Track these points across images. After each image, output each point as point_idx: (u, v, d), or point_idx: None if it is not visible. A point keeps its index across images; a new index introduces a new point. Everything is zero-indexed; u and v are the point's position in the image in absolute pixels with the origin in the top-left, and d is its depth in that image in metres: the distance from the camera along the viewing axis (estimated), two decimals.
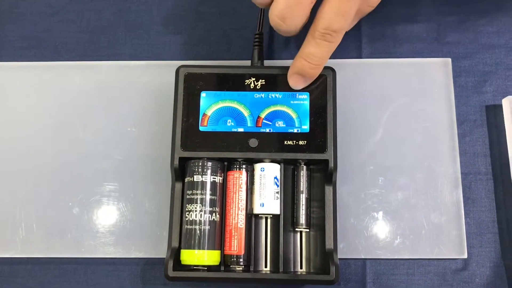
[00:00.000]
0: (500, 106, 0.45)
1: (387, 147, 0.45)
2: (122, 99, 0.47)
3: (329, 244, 0.40)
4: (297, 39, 0.48)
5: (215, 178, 0.40)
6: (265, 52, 0.46)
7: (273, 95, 0.42)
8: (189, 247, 0.39)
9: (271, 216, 0.42)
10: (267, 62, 0.45)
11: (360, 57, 0.47)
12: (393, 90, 0.46)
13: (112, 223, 0.44)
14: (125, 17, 0.49)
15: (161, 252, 0.43)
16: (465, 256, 0.43)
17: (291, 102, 0.42)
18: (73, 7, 0.50)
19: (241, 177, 0.41)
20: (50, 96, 0.47)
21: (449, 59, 0.47)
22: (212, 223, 0.40)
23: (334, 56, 0.47)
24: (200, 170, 0.40)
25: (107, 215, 0.44)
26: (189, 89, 0.42)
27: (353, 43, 0.48)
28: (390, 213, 0.43)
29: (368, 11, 0.43)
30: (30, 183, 0.45)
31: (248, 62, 0.45)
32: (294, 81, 0.40)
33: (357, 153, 0.45)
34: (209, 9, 0.49)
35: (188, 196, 0.40)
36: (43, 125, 0.46)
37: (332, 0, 0.37)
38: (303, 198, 0.42)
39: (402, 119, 0.45)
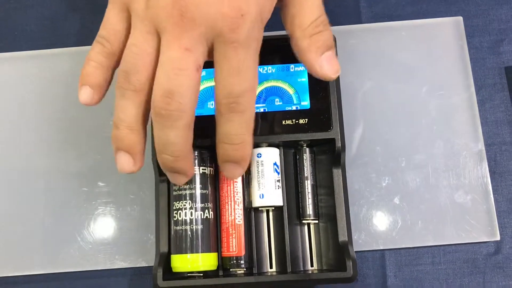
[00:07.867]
0: None
1: (398, 122, 0.41)
2: None
3: (342, 236, 0.36)
4: None
5: (204, 169, 0.36)
6: None
7: (265, 69, 0.38)
8: (181, 251, 0.35)
9: (273, 208, 0.38)
10: None
11: (359, 22, 0.44)
12: (400, 57, 0.43)
13: (92, 231, 0.40)
14: (92, 0, 0.45)
15: (149, 259, 0.40)
16: (498, 238, 0.40)
17: (287, 76, 0.38)
18: None
19: None
20: (9, 91, 0.43)
21: (461, 18, 0.43)
22: (205, 221, 0.35)
23: (331, 22, 0.43)
24: None
25: (85, 223, 0.41)
26: None
27: (351, 7, 0.44)
28: (408, 196, 0.40)
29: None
30: None
31: None
32: (228, 172, 0.32)
33: (363, 131, 0.41)
34: None
35: (175, 193, 0.36)
36: (3, 126, 0.42)
37: (219, 60, 0.28)
38: (308, 185, 0.38)
39: (413, 89, 0.42)
